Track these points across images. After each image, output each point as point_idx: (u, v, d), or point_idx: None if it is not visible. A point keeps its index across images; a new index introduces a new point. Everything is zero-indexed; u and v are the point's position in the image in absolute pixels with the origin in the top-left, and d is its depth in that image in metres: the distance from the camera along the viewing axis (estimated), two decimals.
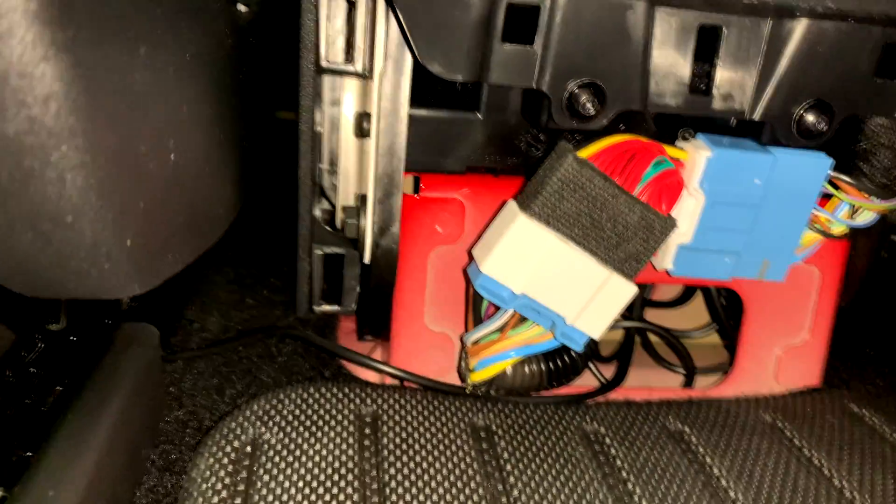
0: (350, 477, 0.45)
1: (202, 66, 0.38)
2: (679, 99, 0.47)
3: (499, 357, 0.51)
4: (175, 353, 0.59)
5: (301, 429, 0.49)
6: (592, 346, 0.55)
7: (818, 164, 0.49)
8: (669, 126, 0.51)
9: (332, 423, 0.50)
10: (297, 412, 0.51)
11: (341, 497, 0.44)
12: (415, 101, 0.49)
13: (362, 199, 0.53)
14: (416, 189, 0.53)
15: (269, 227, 0.81)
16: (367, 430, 0.50)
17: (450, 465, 0.47)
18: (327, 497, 0.44)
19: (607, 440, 0.52)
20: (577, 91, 0.45)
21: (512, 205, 0.47)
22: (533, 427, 0.52)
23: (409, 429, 0.50)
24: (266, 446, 0.47)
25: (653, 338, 0.69)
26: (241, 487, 0.44)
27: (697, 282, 0.64)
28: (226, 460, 0.46)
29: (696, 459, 0.50)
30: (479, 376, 0.52)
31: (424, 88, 0.49)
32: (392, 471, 0.46)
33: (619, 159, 0.46)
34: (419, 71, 0.47)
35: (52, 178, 0.28)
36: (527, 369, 0.54)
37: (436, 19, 0.43)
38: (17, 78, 0.25)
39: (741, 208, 0.49)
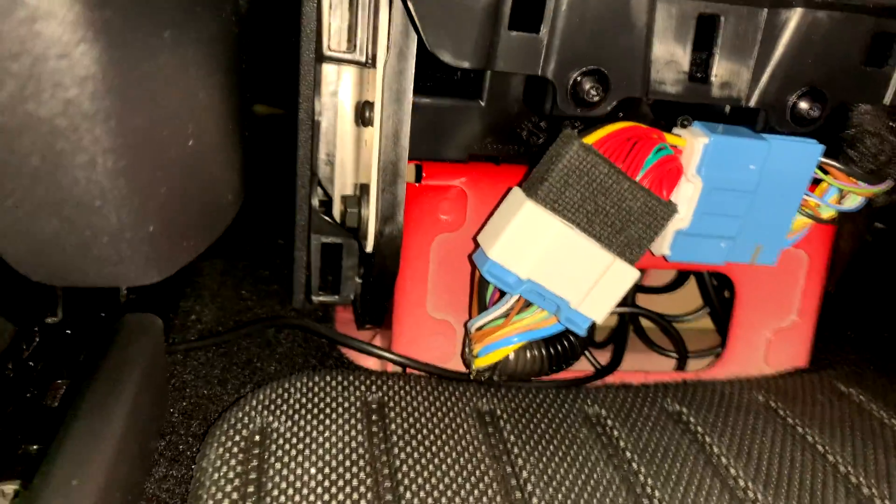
0: (361, 462, 0.46)
1: (215, 52, 0.38)
2: (679, 86, 0.49)
3: (502, 342, 0.52)
4: (174, 344, 0.58)
5: (309, 416, 0.49)
6: (590, 330, 0.56)
7: (811, 151, 0.50)
8: (665, 114, 0.52)
9: (340, 410, 0.50)
10: (304, 400, 0.51)
11: (354, 482, 0.44)
12: (416, 89, 0.49)
13: (363, 188, 0.53)
14: (419, 177, 0.53)
15: (256, 218, 0.81)
16: (375, 417, 0.50)
17: (458, 449, 0.48)
18: (340, 483, 0.44)
19: (609, 422, 0.53)
20: (581, 78, 0.46)
21: (518, 192, 0.48)
22: (536, 411, 0.53)
23: (416, 414, 0.51)
24: (275, 434, 0.47)
25: (645, 323, 0.70)
26: (253, 476, 0.44)
27: (692, 266, 0.65)
28: (235, 449, 0.46)
29: (696, 439, 0.52)
30: (483, 362, 0.52)
31: (425, 76, 0.50)
32: (402, 455, 0.47)
33: (622, 146, 0.47)
34: (420, 59, 0.47)
35: (82, 161, 0.28)
36: (529, 354, 0.54)
37: (445, 7, 0.43)
38: (56, 59, 0.25)
39: (737, 194, 0.50)
